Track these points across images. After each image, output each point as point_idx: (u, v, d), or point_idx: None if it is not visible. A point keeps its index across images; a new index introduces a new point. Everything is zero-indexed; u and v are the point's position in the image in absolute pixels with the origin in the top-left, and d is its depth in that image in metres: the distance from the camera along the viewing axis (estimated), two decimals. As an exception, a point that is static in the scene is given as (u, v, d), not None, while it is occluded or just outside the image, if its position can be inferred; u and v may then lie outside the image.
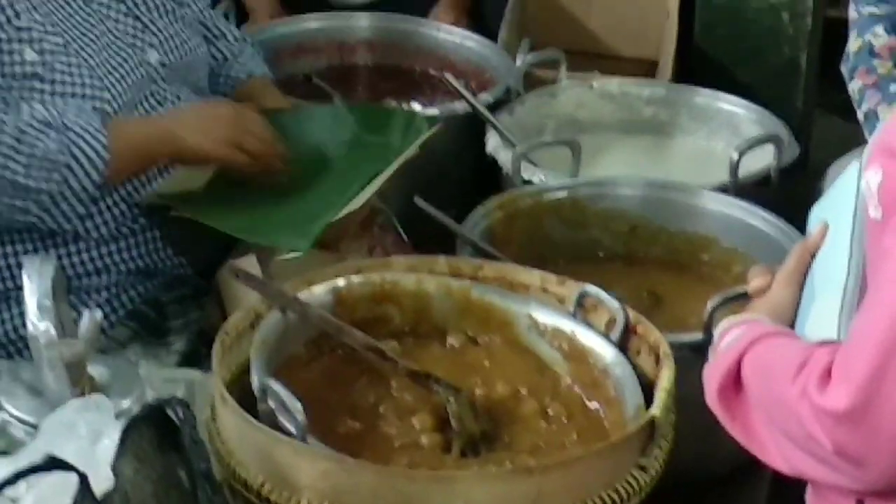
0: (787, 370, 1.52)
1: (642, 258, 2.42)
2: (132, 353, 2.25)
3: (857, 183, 1.61)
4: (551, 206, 2.41)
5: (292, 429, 1.59)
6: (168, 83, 2.38)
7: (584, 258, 2.40)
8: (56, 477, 1.46)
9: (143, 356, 2.24)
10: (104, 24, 2.32)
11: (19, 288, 2.02)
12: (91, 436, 1.59)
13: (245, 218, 2.30)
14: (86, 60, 2.24)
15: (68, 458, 1.46)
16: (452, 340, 1.89)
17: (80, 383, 1.75)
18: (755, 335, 1.64)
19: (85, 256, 2.27)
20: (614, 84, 2.89)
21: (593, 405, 1.79)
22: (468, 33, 3.12)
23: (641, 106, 2.87)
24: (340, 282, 1.87)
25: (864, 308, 1.51)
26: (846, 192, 1.66)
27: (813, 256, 1.73)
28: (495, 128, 2.65)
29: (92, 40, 2.28)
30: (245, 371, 1.70)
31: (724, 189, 2.45)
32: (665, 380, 1.71)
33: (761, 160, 2.53)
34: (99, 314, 1.79)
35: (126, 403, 1.77)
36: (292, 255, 2.20)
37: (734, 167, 2.48)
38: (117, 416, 1.65)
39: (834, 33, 2.84)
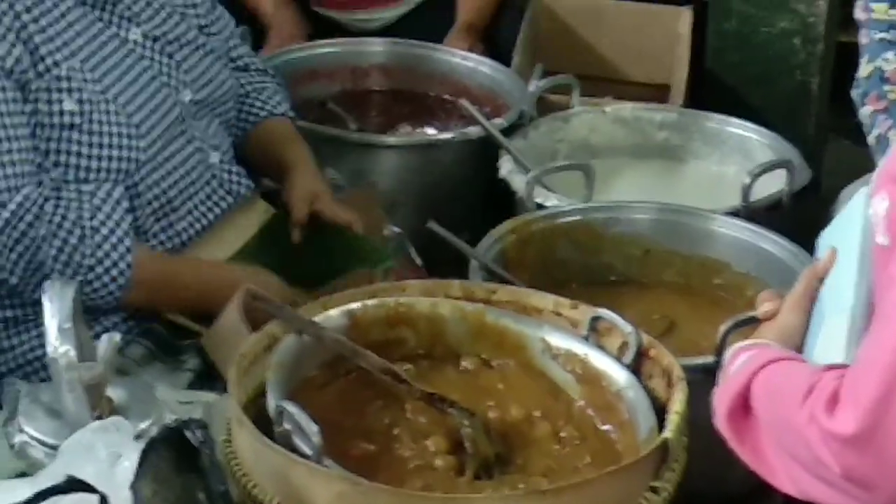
0: (795, 394, 1.53)
1: (655, 282, 2.43)
2: (146, 374, 2.26)
3: (864, 209, 1.62)
4: (564, 229, 2.42)
5: (308, 450, 1.60)
6: (198, 119, 2.37)
7: (597, 282, 2.40)
8: (76, 498, 1.48)
9: (157, 376, 2.25)
10: (139, 65, 2.29)
11: (36, 310, 2.03)
12: (110, 457, 1.60)
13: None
14: (124, 107, 2.23)
15: (88, 479, 1.47)
16: (466, 363, 1.90)
17: (99, 405, 1.77)
18: (764, 360, 1.65)
19: None
20: (627, 109, 2.90)
21: (606, 428, 1.80)
22: (482, 59, 3.13)
23: (654, 130, 2.88)
24: (355, 305, 1.88)
25: (872, 333, 1.52)
26: (854, 219, 1.67)
27: (821, 281, 1.74)
28: (509, 152, 2.66)
29: (129, 83, 2.26)
30: (261, 393, 1.72)
31: (736, 213, 2.46)
32: (678, 403, 1.72)
33: (773, 185, 2.54)
34: (118, 336, 1.80)
35: (144, 425, 1.78)
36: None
37: (746, 192, 2.49)
38: (136, 437, 1.67)
39: (845, 58, 2.84)
